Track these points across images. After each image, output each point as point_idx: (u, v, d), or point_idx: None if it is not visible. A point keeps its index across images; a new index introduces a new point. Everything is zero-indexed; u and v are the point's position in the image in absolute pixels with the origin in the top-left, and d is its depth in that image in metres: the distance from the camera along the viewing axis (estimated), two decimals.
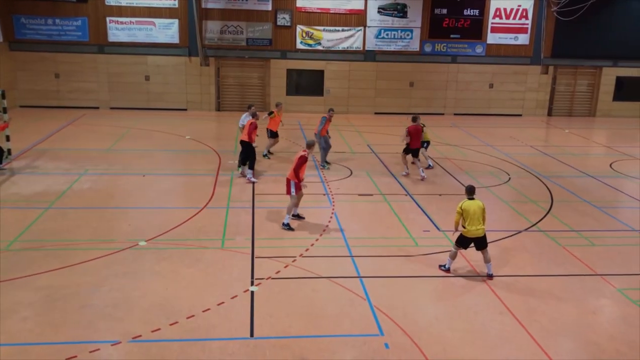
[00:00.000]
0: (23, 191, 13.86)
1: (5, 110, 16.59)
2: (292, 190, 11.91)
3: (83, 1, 24.13)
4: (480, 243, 9.93)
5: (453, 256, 10.13)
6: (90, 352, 7.50)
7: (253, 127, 15.20)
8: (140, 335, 7.89)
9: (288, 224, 11.94)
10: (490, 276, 9.99)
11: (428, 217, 12.99)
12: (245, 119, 16.27)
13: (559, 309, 9.07)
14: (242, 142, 15.36)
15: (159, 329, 8.06)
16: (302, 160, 11.88)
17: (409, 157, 16.25)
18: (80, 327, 8.09)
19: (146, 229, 11.75)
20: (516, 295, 9.44)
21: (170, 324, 8.19)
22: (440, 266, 10.26)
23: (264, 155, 17.54)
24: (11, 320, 8.18)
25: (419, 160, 16.23)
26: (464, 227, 9.86)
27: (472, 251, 11.08)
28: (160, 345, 7.72)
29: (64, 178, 14.97)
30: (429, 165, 17.26)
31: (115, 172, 15.80)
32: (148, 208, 13.15)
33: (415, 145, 15.92)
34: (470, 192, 10.05)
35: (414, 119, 16.16)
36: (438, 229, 12.32)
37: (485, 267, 10.05)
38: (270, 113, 17.54)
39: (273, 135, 17.75)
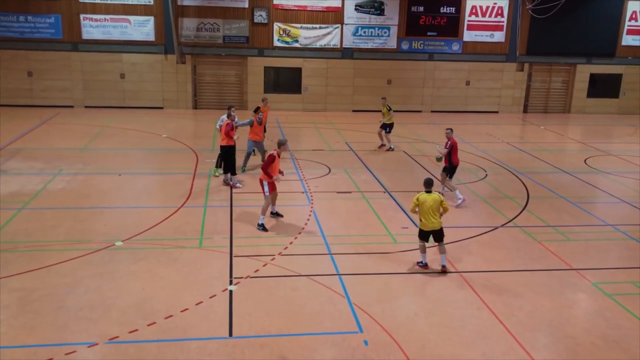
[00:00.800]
0: None
1: None
2: (266, 190, 11.81)
3: None
4: (437, 236, 10.08)
5: (422, 249, 10.24)
6: (66, 354, 7.38)
7: (229, 128, 14.31)
8: (117, 337, 7.79)
9: (263, 225, 11.81)
10: (443, 267, 10.13)
11: (406, 214, 13.04)
12: (223, 120, 15.32)
13: (536, 303, 9.17)
14: (221, 147, 14.44)
15: (136, 330, 7.97)
16: (270, 159, 11.67)
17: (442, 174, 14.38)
18: (56, 329, 7.95)
19: (122, 228, 11.60)
20: (493, 291, 9.53)
21: (148, 325, 8.10)
22: (417, 263, 10.32)
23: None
24: None
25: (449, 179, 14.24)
26: (420, 221, 10.04)
27: (453, 247, 11.16)
28: (138, 346, 7.63)
29: (38, 178, 14.71)
30: (390, 147, 18.24)
31: (91, 171, 15.58)
32: (124, 208, 12.99)
33: (456, 160, 14.09)
34: (428, 185, 10.18)
35: (451, 130, 14.18)
36: (416, 226, 12.34)
37: (440, 258, 10.20)
38: (257, 109, 16.57)
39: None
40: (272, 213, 12.40)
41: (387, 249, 11.09)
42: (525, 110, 28.34)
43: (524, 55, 27.49)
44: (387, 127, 19.12)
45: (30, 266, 9.76)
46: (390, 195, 14.34)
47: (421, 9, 26.33)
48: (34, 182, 14.36)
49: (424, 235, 10.16)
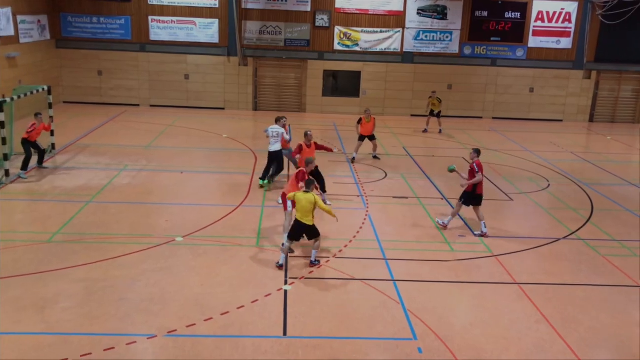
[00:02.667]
0: (65, 185, 14.23)
1: (50, 106, 17.06)
2: (289, 205, 10.83)
3: (127, 0, 24.64)
4: (309, 233, 10.05)
5: (284, 251, 10.20)
6: (127, 344, 7.65)
7: (298, 150, 13.41)
8: (175, 330, 8.02)
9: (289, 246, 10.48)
10: (312, 263, 10.13)
11: (464, 222, 12.83)
12: (273, 130, 14.39)
13: (598, 319, 8.85)
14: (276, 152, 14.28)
15: (194, 325, 8.18)
16: (301, 177, 11.08)
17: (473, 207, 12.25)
18: (118, 320, 8.26)
19: (183, 225, 11.93)
20: (554, 304, 9.26)
21: (205, 320, 8.30)
22: (277, 264, 10.14)
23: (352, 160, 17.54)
24: (53, 310, 8.41)
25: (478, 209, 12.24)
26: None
27: (512, 258, 10.92)
28: (195, 341, 7.83)
29: (104, 173, 15.32)
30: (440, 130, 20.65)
31: (154, 168, 16.09)
32: (185, 204, 13.35)
33: (480, 189, 11.97)
34: (307, 185, 10.18)
35: (478, 152, 12.08)
36: (474, 234, 12.15)
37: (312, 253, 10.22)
38: (359, 121, 17.66)
39: (361, 138, 17.65)
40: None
41: (444, 256, 10.95)
42: (591, 120, 27.32)
43: (592, 62, 26.52)
44: (436, 114, 22.40)
45: (95, 257, 10.18)
46: (448, 202, 14.14)
47: (485, 13, 25.83)
48: (100, 177, 14.95)
49: (295, 234, 10.10)
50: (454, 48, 26.06)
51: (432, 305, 9.02)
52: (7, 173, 14.15)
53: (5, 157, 14.19)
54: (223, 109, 26.02)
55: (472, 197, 11.92)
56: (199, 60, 25.51)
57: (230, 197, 13.84)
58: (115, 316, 8.35)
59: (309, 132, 13.69)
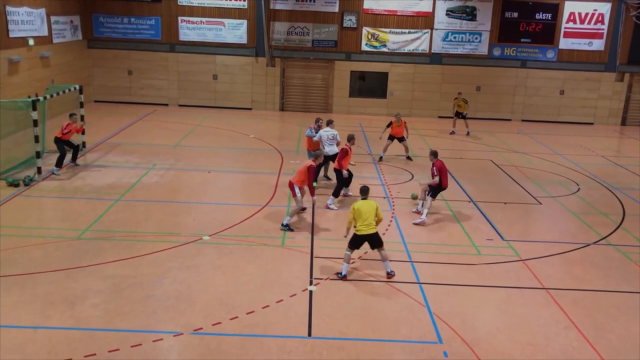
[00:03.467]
0: (95, 183, 14.48)
1: (82, 105, 17.38)
2: (297, 191, 11.90)
3: (157, 1, 24.97)
4: (373, 241, 9.74)
5: (347, 260, 9.87)
6: (154, 341, 7.75)
7: (343, 154, 13.53)
8: (201, 328, 8.09)
9: (287, 225, 11.86)
10: (389, 274, 9.83)
11: (492, 225, 12.68)
12: (328, 133, 14.56)
13: (629, 327, 8.66)
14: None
15: (219, 323, 8.24)
16: (312, 171, 11.94)
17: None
18: (145, 317, 8.37)
19: (210, 223, 12.03)
20: (583, 310, 9.09)
21: (231, 319, 8.35)
22: (337, 274, 9.90)
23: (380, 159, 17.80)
24: (81, 306, 8.56)
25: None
26: (355, 227, 9.73)
27: (540, 263, 10.76)
28: (220, 339, 7.88)
29: (133, 171, 15.53)
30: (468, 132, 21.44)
31: (182, 167, 16.26)
32: (212, 204, 13.46)
33: (446, 183, 12.89)
34: (364, 192, 10.00)
35: (435, 154, 12.97)
36: (502, 238, 12.01)
37: (384, 265, 9.90)
38: (389, 124, 17.95)
39: (391, 138, 17.92)
40: (285, 225, 11.95)
41: (471, 260, 10.84)
42: (623, 123, 26.76)
43: (625, 64, 25.97)
44: (463, 115, 22.33)
45: (123, 255, 10.33)
46: (475, 205, 13.99)
47: (515, 14, 25.50)
48: (129, 175, 15.17)
49: (356, 242, 9.79)
50: (483, 49, 25.79)
51: (458, 309, 8.93)
52: (39, 170, 14.45)
53: (38, 155, 14.50)
54: (250, 109, 26.18)
55: (439, 189, 12.89)
56: (227, 61, 25.71)
57: (257, 197, 13.91)
58: (143, 313, 8.46)
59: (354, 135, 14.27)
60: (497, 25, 25.55)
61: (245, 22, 25.25)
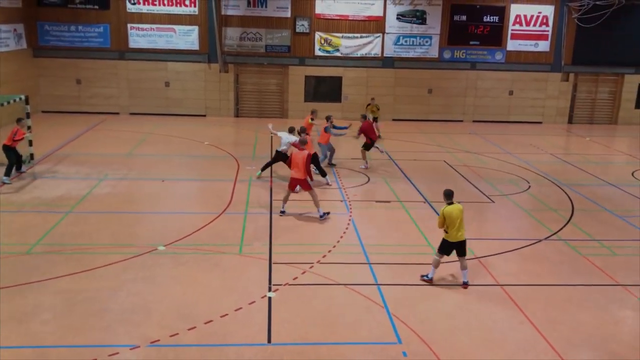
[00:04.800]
0: (44, 195, 14.04)
1: (28, 115, 16.84)
2: (310, 182, 13.05)
3: (105, 8, 24.44)
4: (461, 248, 9.81)
5: (436, 264, 9.94)
6: (109, 355, 7.55)
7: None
8: (158, 340, 7.93)
9: (325, 212, 12.95)
10: (465, 284, 9.89)
11: None
12: (288, 138, 15.34)
13: (580, 318, 8.94)
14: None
15: (177, 334, 8.09)
16: (310, 158, 13.15)
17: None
18: (100, 331, 8.15)
19: (165, 233, 11.83)
20: (536, 305, 9.33)
21: (189, 329, 8.22)
22: (422, 277, 10.05)
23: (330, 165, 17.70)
24: (32, 323, 8.27)
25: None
26: (446, 232, 9.75)
27: (495, 260, 10.99)
28: (178, 350, 7.75)
29: (84, 183, 15.14)
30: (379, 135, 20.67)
31: (135, 177, 15.94)
32: (167, 213, 13.24)
33: (374, 137, 17.51)
34: (449, 196, 9.93)
35: (364, 117, 17.80)
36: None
37: (462, 274, 9.95)
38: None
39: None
40: (282, 211, 13.19)
41: (427, 259, 10.94)
42: (570, 121, 27.68)
43: (570, 65, 26.89)
44: (375, 119, 21.64)
45: (75, 269, 10.04)
46: (430, 205, 14.20)
47: (464, 18, 26.07)
48: (80, 187, 14.77)
49: (447, 249, 9.80)
50: (434, 52, 26.26)
51: (416, 309, 9.03)
52: None
53: None
54: (204, 115, 25.90)
55: (371, 145, 17.27)
56: (179, 67, 25.39)
57: (213, 205, 13.76)
58: (97, 327, 8.24)
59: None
60: (447, 28, 26.08)
61: (196, 28, 24.99)
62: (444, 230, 9.76)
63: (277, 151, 15.75)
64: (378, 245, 11.64)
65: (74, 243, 11.20)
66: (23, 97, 16.69)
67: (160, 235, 11.76)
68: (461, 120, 26.93)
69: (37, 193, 14.20)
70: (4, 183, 14.44)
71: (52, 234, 11.62)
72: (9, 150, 14.87)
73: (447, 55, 26.38)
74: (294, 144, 14.38)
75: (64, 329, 8.18)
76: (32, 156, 16.78)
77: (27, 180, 15.16)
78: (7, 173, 14.78)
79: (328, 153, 17.47)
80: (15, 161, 15.27)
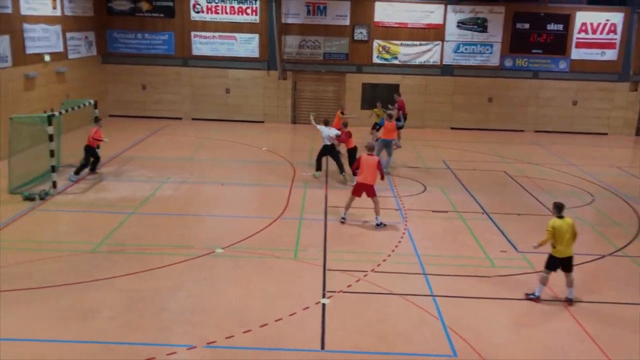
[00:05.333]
0: (109, 196, 14.60)
1: (96, 119, 17.56)
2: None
3: (171, 17, 25.27)
4: (568, 264, 9.46)
5: (544, 282, 9.59)
6: (168, 354, 7.76)
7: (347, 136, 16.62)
8: (214, 341, 8.10)
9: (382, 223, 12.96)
10: (570, 301, 9.55)
11: (505, 237, 12.60)
12: (328, 132, 16.63)
13: None
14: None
15: (232, 336, 8.24)
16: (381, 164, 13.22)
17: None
18: (159, 330, 8.40)
19: (223, 236, 12.07)
20: (599, 323, 8.99)
21: (244, 332, 8.35)
22: (527, 295, 9.72)
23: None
24: (96, 320, 8.61)
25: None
26: (553, 247, 9.40)
27: (555, 274, 10.65)
28: (234, 352, 7.89)
29: (147, 185, 15.65)
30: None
31: (195, 180, 16.36)
32: (225, 216, 13.51)
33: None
34: (560, 209, 9.51)
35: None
36: (516, 250, 11.93)
37: (567, 291, 9.61)
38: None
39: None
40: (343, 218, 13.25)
41: (485, 272, 10.76)
42: (637, 133, 26.52)
43: (639, 74, 25.82)
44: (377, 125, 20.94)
45: (137, 268, 10.39)
46: (489, 217, 13.91)
47: (527, 26, 25.49)
48: (143, 189, 15.28)
49: (554, 264, 9.45)
50: (495, 60, 25.77)
51: (472, 322, 8.87)
52: (54, 184, 14.60)
53: (53, 169, 14.65)
54: (262, 122, 26.31)
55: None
56: (239, 75, 25.90)
57: (269, 210, 13.94)
58: (157, 326, 8.49)
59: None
60: (509, 36, 25.54)
61: (257, 36, 25.46)
62: (551, 245, 9.41)
63: (324, 145, 16.58)
64: (434, 255, 11.50)
65: (136, 243, 11.59)
66: (92, 101, 17.43)
67: (219, 237, 12.01)
68: (522, 130, 26.27)
69: (103, 194, 14.78)
70: (71, 181, 15.16)
71: (116, 234, 12.07)
72: (89, 150, 15.78)
73: (508, 63, 25.84)
74: (335, 138, 16.20)
75: (125, 326, 8.47)
76: (98, 158, 17.45)
77: (93, 182, 15.81)
78: (77, 172, 15.59)
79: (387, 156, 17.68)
80: (91, 162, 16.09)
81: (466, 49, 25.68)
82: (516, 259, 11.43)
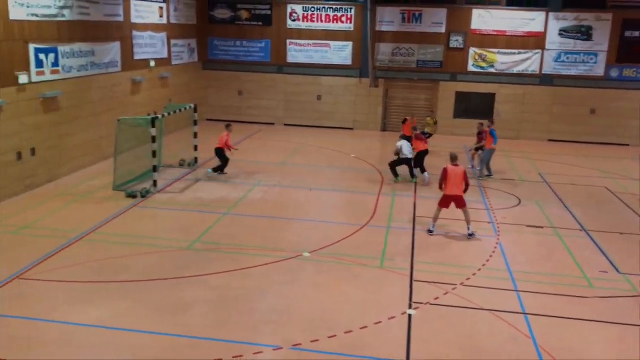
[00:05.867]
0: (205, 197, 15.20)
1: (195, 123, 18.38)
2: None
3: (268, 25, 26.01)
4: None
5: None
6: (254, 354, 7.95)
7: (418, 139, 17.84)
8: (300, 344, 8.21)
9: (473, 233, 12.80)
10: None
11: (606, 257, 11.89)
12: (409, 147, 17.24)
13: None
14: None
15: (318, 340, 8.32)
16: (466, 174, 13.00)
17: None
18: (247, 329, 8.62)
19: (310, 240, 12.23)
20: None
21: (329, 337, 8.41)
22: None
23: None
24: (189, 315, 8.98)
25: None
26: None
27: None
28: (319, 357, 7.94)
29: (240, 187, 16.16)
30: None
31: (286, 185, 16.69)
32: (313, 221, 13.68)
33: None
34: None
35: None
36: (618, 271, 11.22)
37: None
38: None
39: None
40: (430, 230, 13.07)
41: (582, 292, 10.21)
42: None
43: None
44: (428, 135, 20.66)
45: (229, 267, 10.74)
46: (588, 234, 13.19)
47: (636, 34, 23.98)
48: (237, 191, 15.79)
49: None
50: (599, 70, 24.45)
51: (567, 344, 8.43)
52: (155, 183, 15.40)
53: (154, 169, 15.46)
54: (352, 129, 26.44)
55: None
56: (331, 82, 26.21)
57: (356, 217, 13.97)
58: (245, 325, 8.72)
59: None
60: (616, 45, 24.15)
61: (350, 44, 25.65)
62: None
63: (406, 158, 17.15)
64: (527, 272, 11.05)
65: (229, 243, 11.99)
66: (192, 105, 18.26)
67: (306, 242, 12.18)
68: (627, 144, 24.70)
69: (199, 194, 15.42)
70: (208, 174, 17.03)
71: (210, 233, 12.54)
72: (220, 152, 17.00)
73: (614, 73, 24.42)
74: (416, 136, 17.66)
75: (215, 323, 8.77)
76: (196, 160, 18.27)
77: (190, 182, 16.52)
78: (219, 169, 17.09)
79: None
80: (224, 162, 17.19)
81: (568, 58, 24.55)
82: (618, 281, 10.75)
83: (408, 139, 17.99)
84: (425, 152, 17.55)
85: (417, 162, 17.38)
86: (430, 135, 21.24)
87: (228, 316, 8.96)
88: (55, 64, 15.66)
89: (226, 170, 17.32)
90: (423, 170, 17.36)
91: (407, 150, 17.00)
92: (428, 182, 16.95)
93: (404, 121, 20.83)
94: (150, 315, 8.92)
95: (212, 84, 26.99)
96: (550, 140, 25.09)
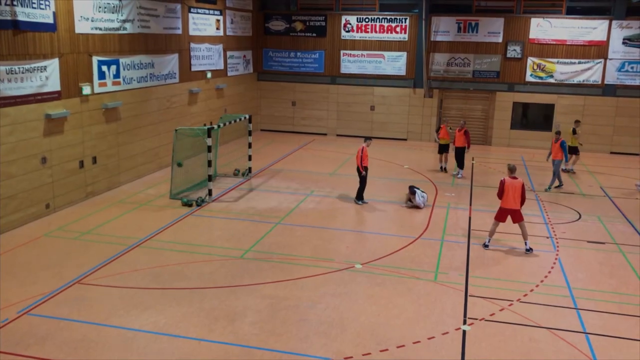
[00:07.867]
0: (258, 206, 15.35)
1: (250, 133, 18.63)
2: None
3: (322, 36, 26.18)
4: None
5: None
6: None
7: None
8: (351, 357, 8.12)
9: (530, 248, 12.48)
10: None
11: None
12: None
13: None
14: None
15: (369, 354, 8.22)
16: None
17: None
18: (298, 340, 8.61)
19: (362, 252, 12.15)
20: None
21: (381, 350, 8.29)
22: None
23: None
24: (241, 323, 9.04)
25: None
26: None
27: None
28: None
29: (292, 197, 16.24)
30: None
31: (337, 195, 16.67)
32: (365, 232, 13.59)
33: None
34: None
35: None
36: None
37: None
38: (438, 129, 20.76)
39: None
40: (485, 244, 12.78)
41: None
42: None
43: None
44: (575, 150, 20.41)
45: (280, 277, 10.78)
46: None
47: None
48: (289, 200, 15.88)
49: None
50: None
51: None
52: (210, 192, 15.67)
53: (210, 178, 15.74)
54: (405, 139, 26.20)
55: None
56: (385, 92, 26.09)
57: (409, 229, 13.80)
58: (296, 336, 8.71)
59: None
60: None
61: (404, 54, 25.49)
62: None
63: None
64: (588, 290, 10.61)
65: (281, 252, 12.05)
66: (247, 116, 18.53)
67: (358, 253, 12.10)
68: None
69: (252, 203, 15.59)
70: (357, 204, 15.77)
71: (263, 242, 12.64)
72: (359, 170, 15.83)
73: None
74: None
75: (267, 332, 8.80)
76: (249, 170, 18.50)
77: (244, 192, 16.73)
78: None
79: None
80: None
81: (632, 68, 23.62)
82: None
83: (456, 148, 19.38)
84: (463, 149, 19.10)
85: (456, 156, 19.32)
86: (577, 147, 20.37)
87: (279, 326, 8.97)
88: (117, 75, 16.24)
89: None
90: (461, 166, 19.17)
91: (420, 200, 15.61)
92: (462, 176, 19.12)
93: (439, 129, 20.76)
94: (205, 322, 9.04)
95: (266, 94, 27.34)
96: (612, 153, 24.14)
